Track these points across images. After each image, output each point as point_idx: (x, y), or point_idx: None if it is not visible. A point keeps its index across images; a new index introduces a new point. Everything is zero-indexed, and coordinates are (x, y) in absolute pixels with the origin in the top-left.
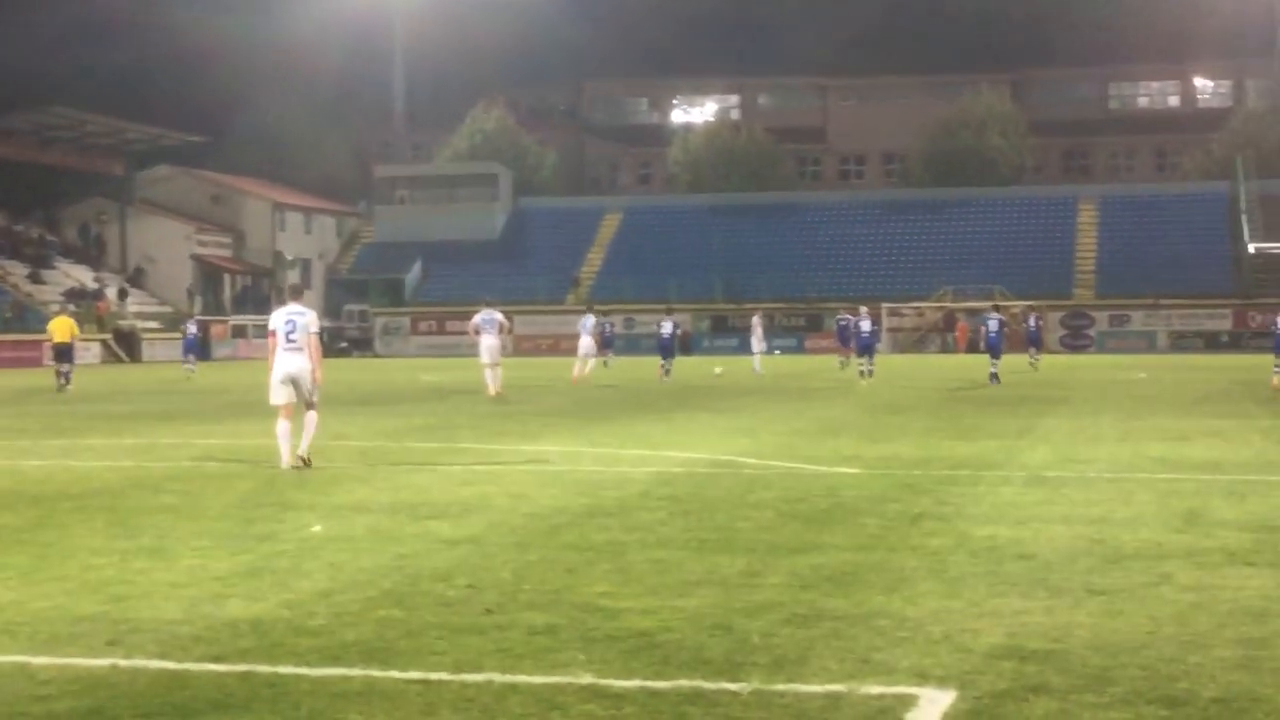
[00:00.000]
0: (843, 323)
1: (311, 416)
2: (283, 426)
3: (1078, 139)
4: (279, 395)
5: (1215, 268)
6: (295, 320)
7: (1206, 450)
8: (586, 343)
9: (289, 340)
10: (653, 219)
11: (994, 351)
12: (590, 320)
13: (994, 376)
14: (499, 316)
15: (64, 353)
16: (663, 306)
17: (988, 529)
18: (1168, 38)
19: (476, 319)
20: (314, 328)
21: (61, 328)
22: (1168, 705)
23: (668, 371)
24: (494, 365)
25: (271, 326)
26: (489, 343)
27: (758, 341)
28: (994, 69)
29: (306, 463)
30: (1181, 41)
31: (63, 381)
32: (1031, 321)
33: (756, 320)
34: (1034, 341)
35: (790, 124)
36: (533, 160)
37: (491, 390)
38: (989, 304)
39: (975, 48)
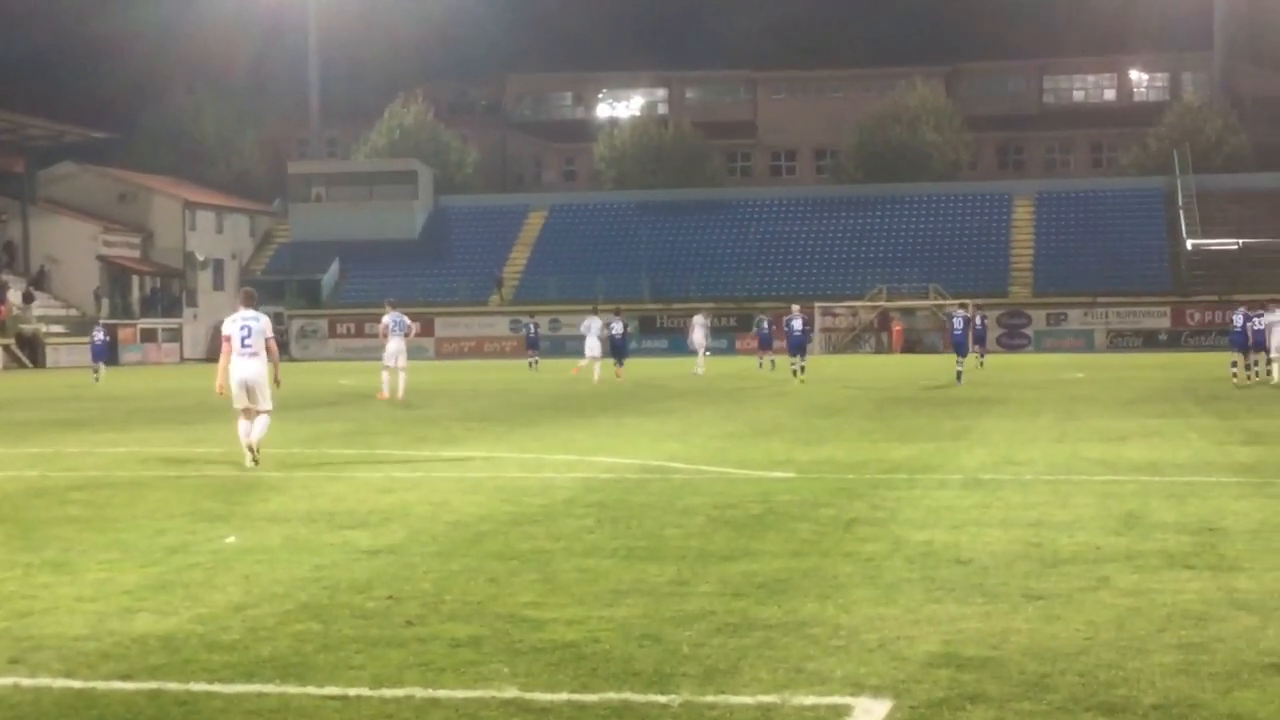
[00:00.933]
0: (762, 325)
1: (263, 419)
2: (244, 427)
3: (1012, 133)
4: (239, 399)
5: (1153, 265)
6: (250, 326)
7: (1145, 451)
8: (593, 344)
9: (244, 345)
10: (578, 217)
11: (960, 349)
12: (596, 322)
13: (959, 375)
14: (406, 319)
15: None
16: (589, 306)
17: (923, 534)
18: (1103, 30)
19: (387, 320)
20: (269, 332)
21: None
22: (1107, 712)
23: (619, 374)
24: (400, 369)
25: (226, 332)
26: (396, 346)
27: (700, 340)
28: (927, 62)
29: (255, 458)
30: (1117, 34)
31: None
32: (978, 320)
33: (700, 319)
34: (979, 340)
35: (719, 118)
36: (454, 157)
37: (386, 393)
38: (930, 303)
39: (908, 40)
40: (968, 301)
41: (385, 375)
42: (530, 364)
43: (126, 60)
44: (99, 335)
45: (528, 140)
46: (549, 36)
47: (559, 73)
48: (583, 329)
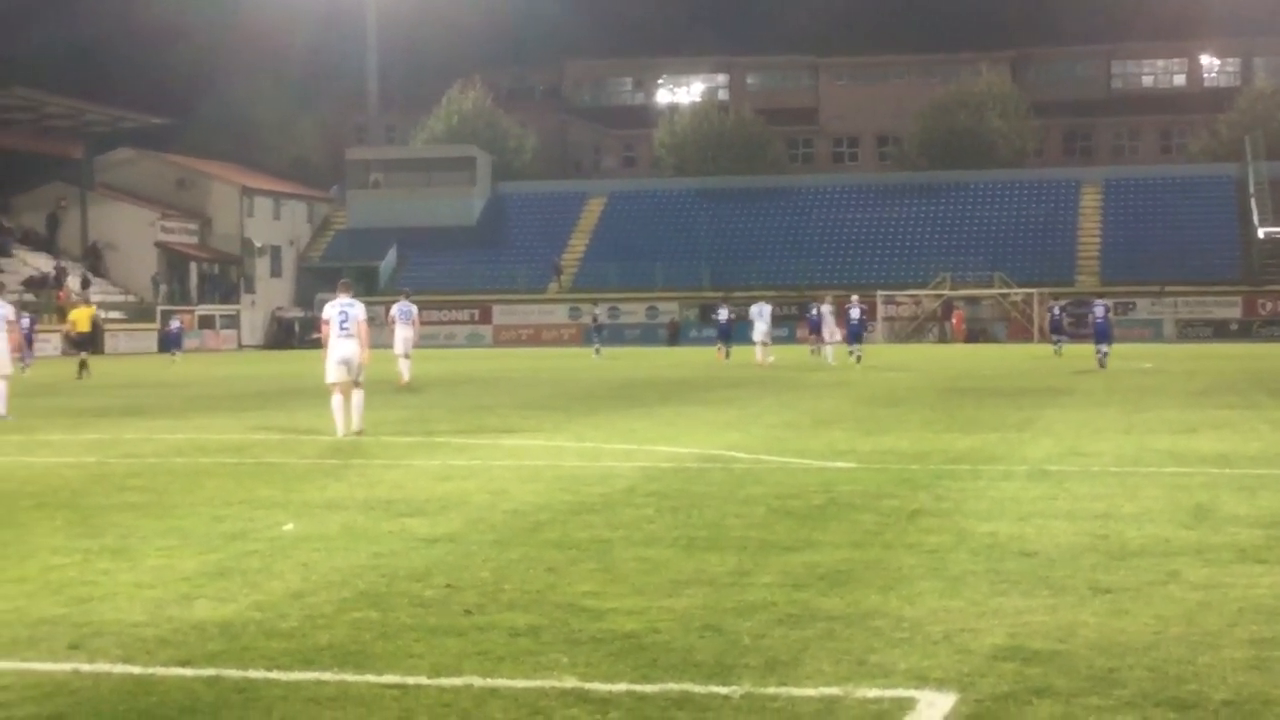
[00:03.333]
0: (813, 312)
1: (359, 394)
2: (337, 400)
3: (1080, 120)
4: (334, 375)
5: (1224, 253)
6: (347, 311)
7: (1215, 443)
8: (761, 329)
9: (342, 328)
10: (637, 204)
11: (1103, 337)
12: (766, 308)
13: (1102, 361)
14: (413, 309)
15: (86, 341)
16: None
17: (988, 525)
18: (1173, 14)
19: (394, 310)
20: (363, 317)
21: (83, 317)
22: (1176, 708)
23: (727, 354)
24: (405, 356)
25: (325, 316)
26: (404, 334)
27: (762, 330)
28: (993, 47)
29: (360, 433)
30: (1187, 18)
31: (84, 368)
32: (1056, 310)
33: (761, 308)
34: (1056, 329)
35: (781, 104)
36: (512, 143)
37: (405, 379)
38: (994, 291)
39: (973, 25)
40: (1024, 291)
41: (404, 363)
42: (595, 352)
43: (185, 46)
44: (174, 324)
45: (587, 126)
46: (609, 22)
47: (618, 58)
48: (753, 315)
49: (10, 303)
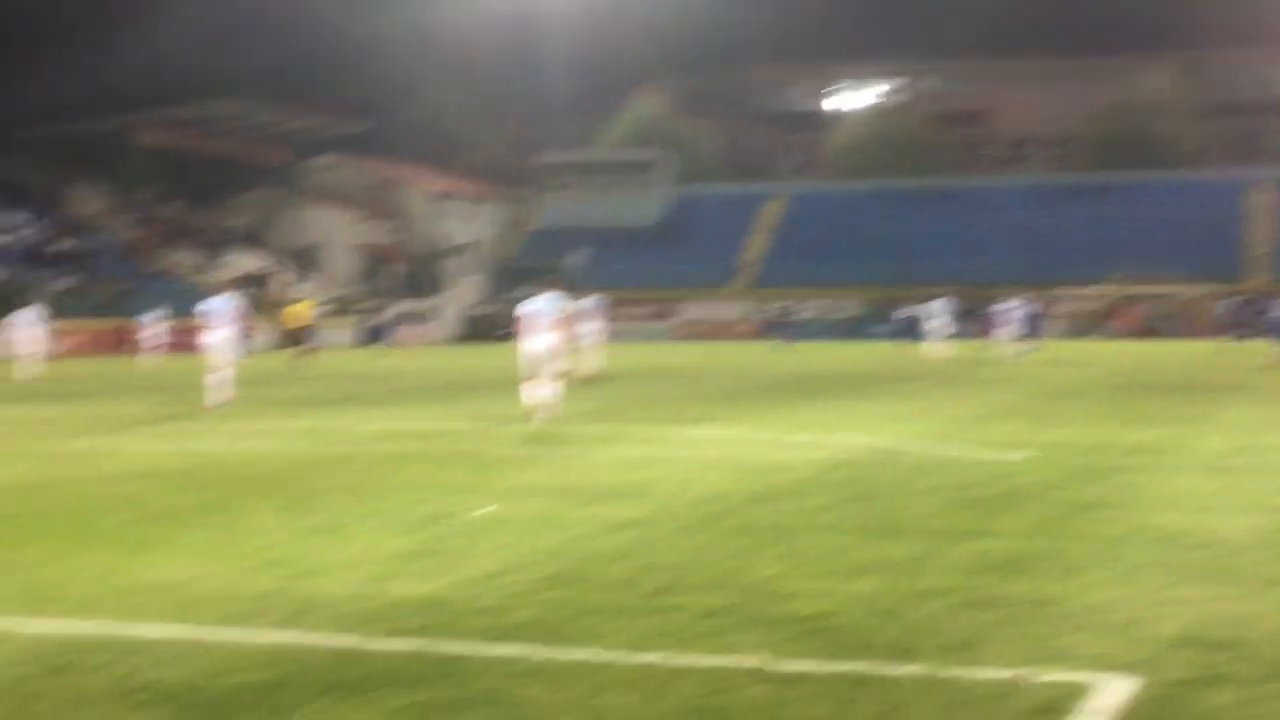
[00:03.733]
0: (901, 314)
1: (552, 386)
2: (532, 391)
3: (1253, 120)
4: (530, 367)
5: None
6: (546, 306)
7: None
8: (938, 325)
9: (540, 323)
10: (816, 206)
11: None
12: (946, 304)
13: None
14: (598, 304)
15: (301, 336)
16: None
17: (1163, 517)
18: None
19: (579, 305)
20: (560, 313)
21: (299, 313)
22: None
23: (923, 350)
24: (592, 349)
25: (525, 311)
26: (590, 329)
27: (939, 326)
28: (1163, 48)
29: (546, 421)
30: None
31: (303, 360)
32: (1230, 308)
33: (940, 304)
34: (1232, 327)
35: (954, 107)
36: (694, 146)
37: (591, 372)
38: (1166, 289)
39: (1145, 27)
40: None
41: (591, 356)
42: (778, 347)
43: (383, 57)
44: (379, 320)
45: (766, 130)
46: (788, 28)
47: (796, 63)
48: (930, 311)
49: (232, 299)
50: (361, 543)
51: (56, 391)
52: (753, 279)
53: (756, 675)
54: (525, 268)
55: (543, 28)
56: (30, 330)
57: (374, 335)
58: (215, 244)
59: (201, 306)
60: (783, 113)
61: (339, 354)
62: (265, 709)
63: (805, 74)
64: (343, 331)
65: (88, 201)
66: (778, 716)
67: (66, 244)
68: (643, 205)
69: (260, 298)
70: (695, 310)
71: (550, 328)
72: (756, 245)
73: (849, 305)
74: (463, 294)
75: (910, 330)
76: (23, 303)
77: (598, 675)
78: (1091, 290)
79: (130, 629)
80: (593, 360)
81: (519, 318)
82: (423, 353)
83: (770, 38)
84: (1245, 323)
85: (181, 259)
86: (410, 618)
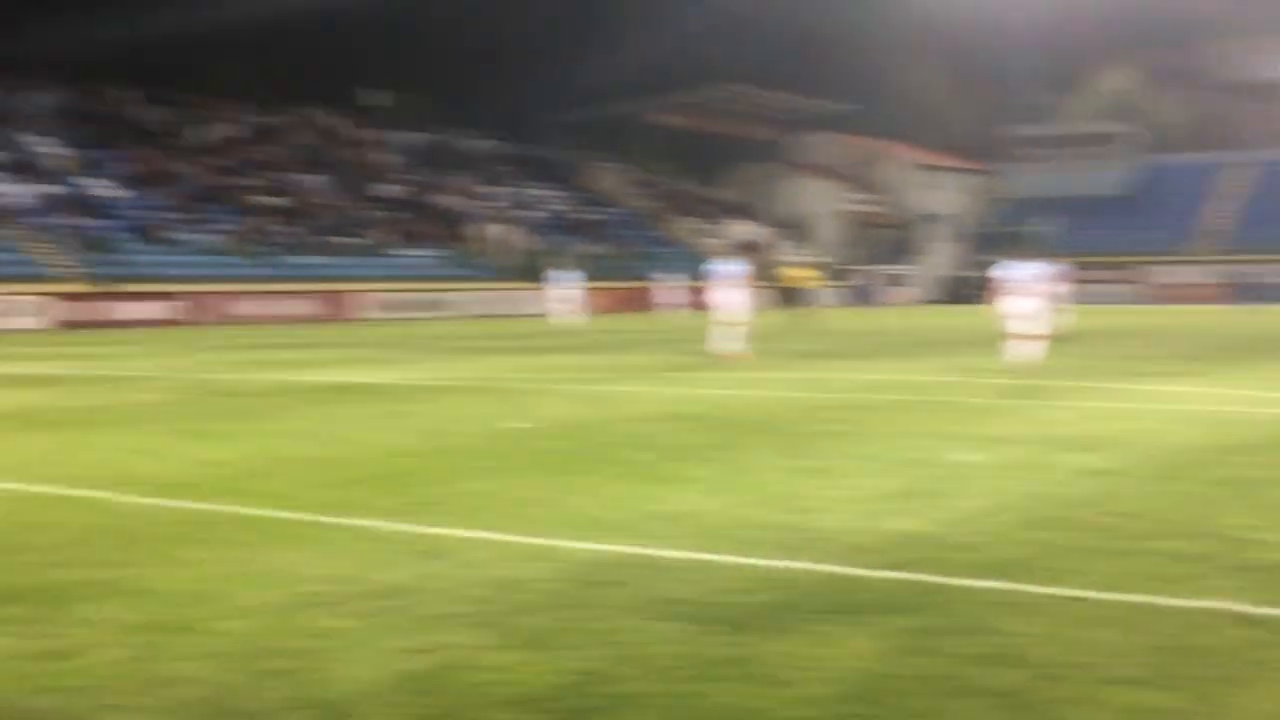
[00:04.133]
0: None
1: (1034, 345)
2: (1013, 348)
3: None
4: (1025, 325)
5: None
6: (1025, 271)
7: None
8: None
9: (1021, 288)
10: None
11: None
12: None
13: None
14: (1055, 270)
15: (797, 296)
16: None
17: None
18: None
19: (721, 269)
20: (1037, 279)
21: (799, 276)
22: None
23: None
24: (1064, 310)
25: (998, 275)
26: (1060, 291)
27: None
28: None
29: (1021, 371)
30: None
31: (806, 318)
32: None
33: None
34: None
35: None
36: (1158, 118)
37: (1065, 330)
38: None
39: None
40: None
41: (1063, 316)
42: (1257, 310)
43: (865, 41)
44: (862, 282)
45: (1229, 100)
46: (1259, 2)
47: (1259, 35)
48: None
49: (742, 263)
50: (851, 482)
51: (587, 343)
52: (1219, 244)
53: (1237, 619)
54: (996, 234)
55: (1010, 5)
56: (564, 290)
57: (860, 296)
58: (714, 214)
59: (708, 267)
60: (1246, 83)
61: (829, 312)
62: (777, 626)
63: (1269, 44)
64: (832, 293)
65: (606, 176)
66: (1261, 658)
67: (589, 214)
68: (1108, 175)
69: (762, 261)
70: (1160, 274)
71: (1030, 292)
72: (1221, 212)
73: None
74: (939, 259)
75: None
76: (558, 265)
77: (1075, 610)
78: None
79: (652, 551)
80: (1065, 321)
81: (994, 281)
82: (905, 312)
83: (1232, 10)
84: None
85: (687, 227)
86: (900, 551)
